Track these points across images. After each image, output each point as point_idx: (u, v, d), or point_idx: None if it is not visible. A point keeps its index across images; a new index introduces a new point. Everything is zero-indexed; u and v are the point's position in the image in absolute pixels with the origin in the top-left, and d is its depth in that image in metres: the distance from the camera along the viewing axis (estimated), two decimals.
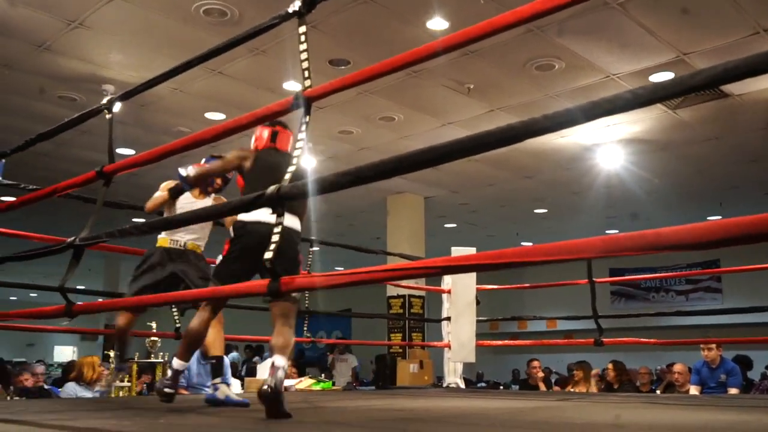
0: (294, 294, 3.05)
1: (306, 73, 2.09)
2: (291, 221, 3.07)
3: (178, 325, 4.88)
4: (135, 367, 5.60)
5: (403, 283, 8.17)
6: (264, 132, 3.28)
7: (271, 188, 1.89)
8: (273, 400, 2.56)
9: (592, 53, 5.93)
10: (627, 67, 6.13)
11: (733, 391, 5.91)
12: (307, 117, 2.00)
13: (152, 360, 5.53)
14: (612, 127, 7.65)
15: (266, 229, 2.55)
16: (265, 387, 2.57)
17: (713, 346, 6.06)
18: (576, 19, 5.34)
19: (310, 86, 2.06)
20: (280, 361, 2.80)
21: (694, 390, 6.13)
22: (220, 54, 2.53)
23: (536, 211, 11.68)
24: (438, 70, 6.19)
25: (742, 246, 1.32)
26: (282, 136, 3.30)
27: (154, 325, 5.59)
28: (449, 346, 6.36)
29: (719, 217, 11.43)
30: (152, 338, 5.43)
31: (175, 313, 4.82)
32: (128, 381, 5.31)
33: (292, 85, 6.37)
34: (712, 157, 8.59)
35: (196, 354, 5.60)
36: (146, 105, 6.94)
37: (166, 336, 5.15)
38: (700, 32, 5.56)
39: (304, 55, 2.10)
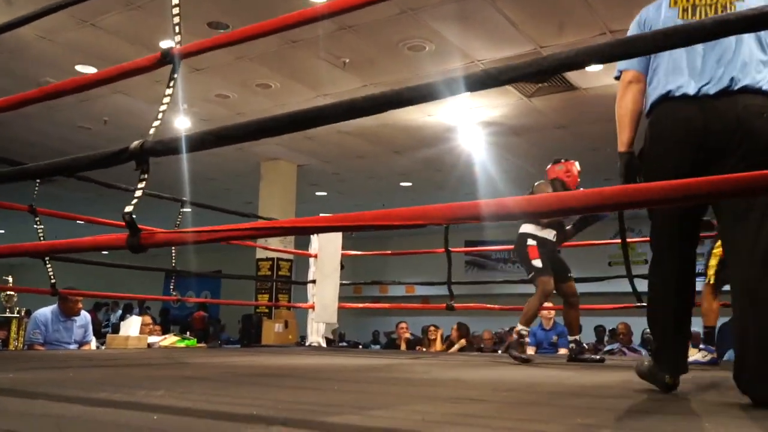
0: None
1: (177, 29, 1.97)
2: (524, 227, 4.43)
3: (53, 281, 4.58)
4: None
5: (272, 246, 8.09)
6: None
7: (135, 143, 1.78)
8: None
9: (459, 39, 6.06)
10: (490, 54, 6.32)
11: (563, 351, 6.36)
12: (176, 74, 1.89)
13: (8, 315, 5.15)
14: (474, 110, 7.89)
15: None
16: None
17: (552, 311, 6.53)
18: (447, 5, 5.43)
19: (179, 42, 1.95)
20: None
21: (530, 350, 6.54)
22: (81, 2, 2.32)
23: (402, 184, 11.89)
24: (316, 42, 6.09)
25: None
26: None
27: (10, 279, 5.20)
28: (313, 308, 6.39)
29: None
30: (8, 293, 5.06)
31: (50, 269, 4.52)
32: None
33: (169, 44, 6.04)
34: (561, 143, 9.08)
35: (56, 311, 5.28)
36: (12, 52, 6.35)
37: (42, 292, 4.79)
38: (556, 29, 5.82)
39: (175, 11, 1.98)
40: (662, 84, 2.12)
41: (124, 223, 1.80)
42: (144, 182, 1.83)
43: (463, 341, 7.76)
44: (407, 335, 8.52)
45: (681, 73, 2.09)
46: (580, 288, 4.56)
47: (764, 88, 2.00)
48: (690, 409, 1.88)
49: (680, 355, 2.17)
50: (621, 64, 2.34)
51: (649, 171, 2.17)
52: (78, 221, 5.93)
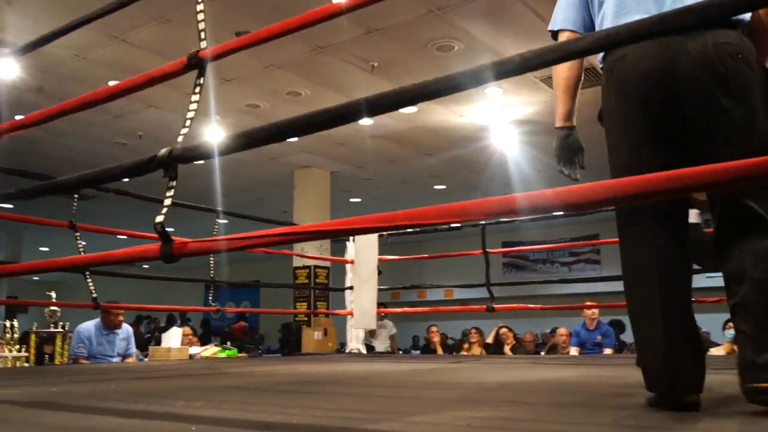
0: None
1: (202, 35, 1.95)
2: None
3: (94, 295, 4.60)
4: (34, 338, 5.29)
5: (309, 254, 8.09)
6: None
7: (163, 151, 1.75)
8: None
9: (489, 37, 5.98)
10: (520, 51, 6.21)
11: (608, 351, 6.21)
12: (201, 79, 1.86)
13: (52, 330, 5.23)
14: (506, 109, 7.79)
15: None
16: None
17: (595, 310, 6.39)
18: (475, 3, 5.36)
19: (205, 48, 1.92)
20: None
21: (574, 351, 6.40)
22: (108, 14, 2.32)
23: (435, 187, 11.81)
24: (343, 46, 6.08)
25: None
26: None
27: (53, 294, 5.27)
28: (352, 314, 6.35)
29: None
30: (52, 308, 5.14)
31: (90, 283, 4.55)
32: (26, 351, 5.02)
33: None
34: (594, 138, 8.89)
35: (99, 325, 5.35)
36: (46, 71, 6.47)
37: (84, 306, 4.81)
38: None
39: (201, 16, 1.97)
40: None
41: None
42: (172, 190, 1.81)
43: (512, 341, 7.70)
44: (437, 338, 8.45)
45: (631, 14, 1.71)
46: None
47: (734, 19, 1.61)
48: (736, 411, 1.77)
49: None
50: (555, 23, 1.98)
51: (615, 129, 1.88)
52: (119, 236, 5.98)
